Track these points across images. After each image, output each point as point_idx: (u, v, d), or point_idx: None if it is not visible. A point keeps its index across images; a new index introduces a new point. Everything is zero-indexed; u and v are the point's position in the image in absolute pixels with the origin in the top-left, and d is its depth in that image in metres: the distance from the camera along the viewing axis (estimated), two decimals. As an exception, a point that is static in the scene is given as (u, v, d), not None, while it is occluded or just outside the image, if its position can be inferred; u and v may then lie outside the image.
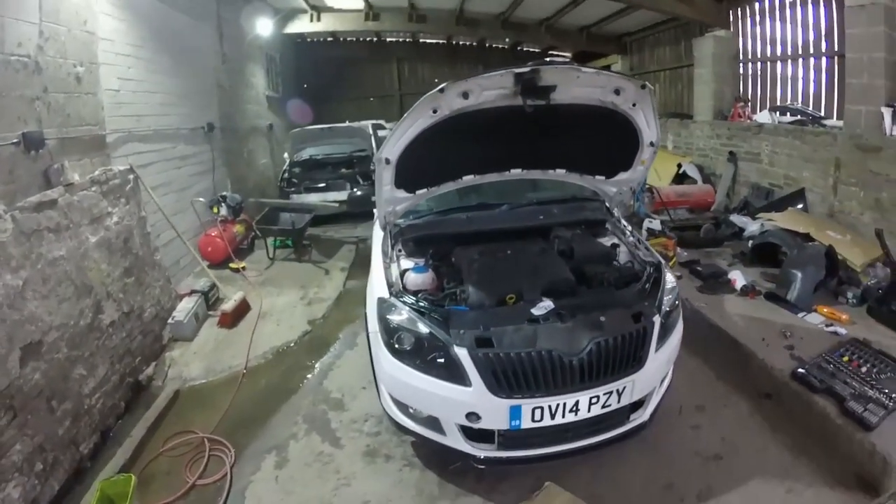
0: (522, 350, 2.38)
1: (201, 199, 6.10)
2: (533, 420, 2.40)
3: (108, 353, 3.52)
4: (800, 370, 3.17)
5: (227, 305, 4.65)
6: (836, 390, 2.94)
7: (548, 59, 2.73)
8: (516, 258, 3.12)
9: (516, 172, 3.38)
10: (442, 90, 2.53)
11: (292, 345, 4.41)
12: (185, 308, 4.45)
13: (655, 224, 6.14)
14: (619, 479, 2.70)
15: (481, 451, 2.53)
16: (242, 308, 4.81)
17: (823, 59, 6.66)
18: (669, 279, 2.88)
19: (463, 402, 2.40)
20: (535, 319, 2.51)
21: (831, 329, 3.73)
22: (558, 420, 2.41)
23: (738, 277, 4.63)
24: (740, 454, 2.83)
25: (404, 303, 2.65)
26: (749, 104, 7.86)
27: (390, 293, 2.74)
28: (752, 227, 5.71)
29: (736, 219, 6.20)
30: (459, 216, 3.55)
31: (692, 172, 8.00)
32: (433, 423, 2.57)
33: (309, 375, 3.92)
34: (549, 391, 2.37)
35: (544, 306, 2.56)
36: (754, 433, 3.00)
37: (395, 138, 2.76)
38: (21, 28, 3.37)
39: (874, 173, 5.04)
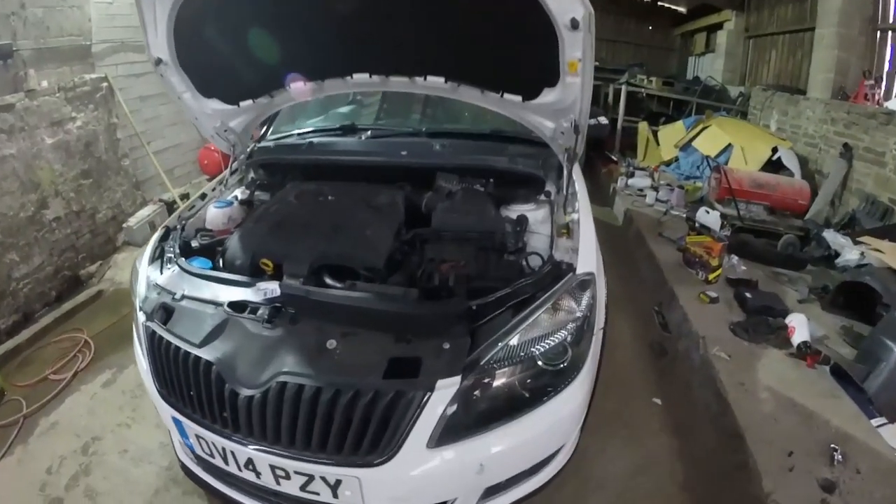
0: (185, 345, 1.64)
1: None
2: (205, 452, 1.68)
3: (48, 245, 3.99)
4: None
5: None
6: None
7: None
8: (334, 208, 2.19)
9: (361, 78, 2.31)
10: None
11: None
12: (141, 215, 4.84)
13: (710, 217, 4.51)
14: None
15: (186, 456, 1.93)
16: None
17: None
18: (569, 307, 1.66)
19: (146, 387, 1.85)
20: (242, 306, 1.70)
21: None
22: (247, 475, 1.60)
23: (799, 325, 2.99)
24: None
25: (163, 249, 2.13)
26: (882, 84, 5.90)
27: (176, 226, 2.28)
28: (849, 254, 4.01)
29: (831, 236, 4.41)
30: (323, 140, 2.83)
31: (790, 163, 5.92)
32: None
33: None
34: (212, 422, 1.58)
35: (267, 289, 1.67)
36: None
37: (151, 28, 2.11)
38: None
39: None
